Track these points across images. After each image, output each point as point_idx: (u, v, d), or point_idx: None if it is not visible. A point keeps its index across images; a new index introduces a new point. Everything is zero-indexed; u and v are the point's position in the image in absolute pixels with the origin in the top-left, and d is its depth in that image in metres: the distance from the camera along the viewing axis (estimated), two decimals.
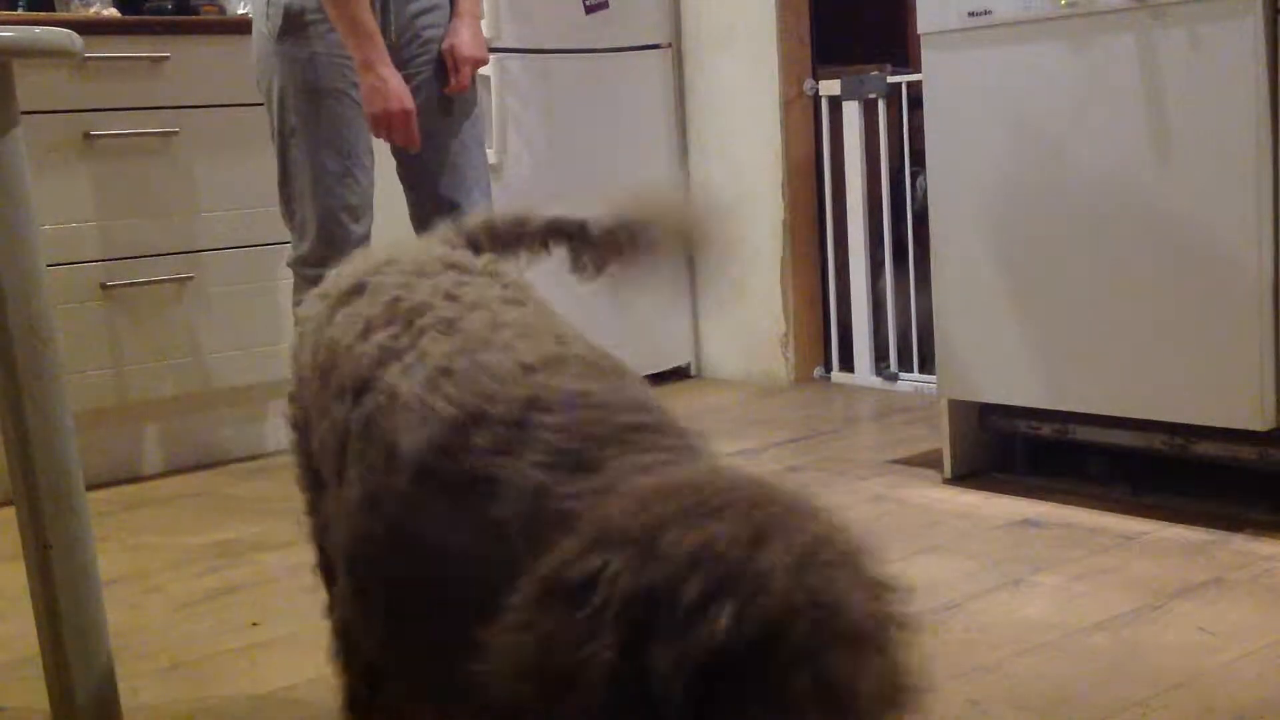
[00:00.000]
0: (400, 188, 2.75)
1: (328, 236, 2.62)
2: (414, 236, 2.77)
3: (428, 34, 2.66)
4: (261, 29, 2.60)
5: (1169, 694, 1.71)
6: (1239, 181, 2.29)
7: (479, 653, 0.90)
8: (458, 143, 2.68)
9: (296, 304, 2.70)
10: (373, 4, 2.59)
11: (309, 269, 2.65)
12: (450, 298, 1.28)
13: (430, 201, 2.72)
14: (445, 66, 2.67)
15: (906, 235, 3.71)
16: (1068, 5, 2.45)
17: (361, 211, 2.67)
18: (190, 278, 3.29)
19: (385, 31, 2.63)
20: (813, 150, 3.95)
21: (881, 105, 3.75)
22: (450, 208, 2.71)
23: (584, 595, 0.87)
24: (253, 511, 2.92)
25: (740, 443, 3.27)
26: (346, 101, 2.62)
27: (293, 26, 2.55)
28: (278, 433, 3.47)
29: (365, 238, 2.68)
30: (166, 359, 3.27)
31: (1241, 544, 2.29)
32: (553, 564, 0.90)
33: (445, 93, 2.67)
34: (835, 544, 0.90)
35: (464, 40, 2.68)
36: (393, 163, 2.72)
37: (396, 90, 2.52)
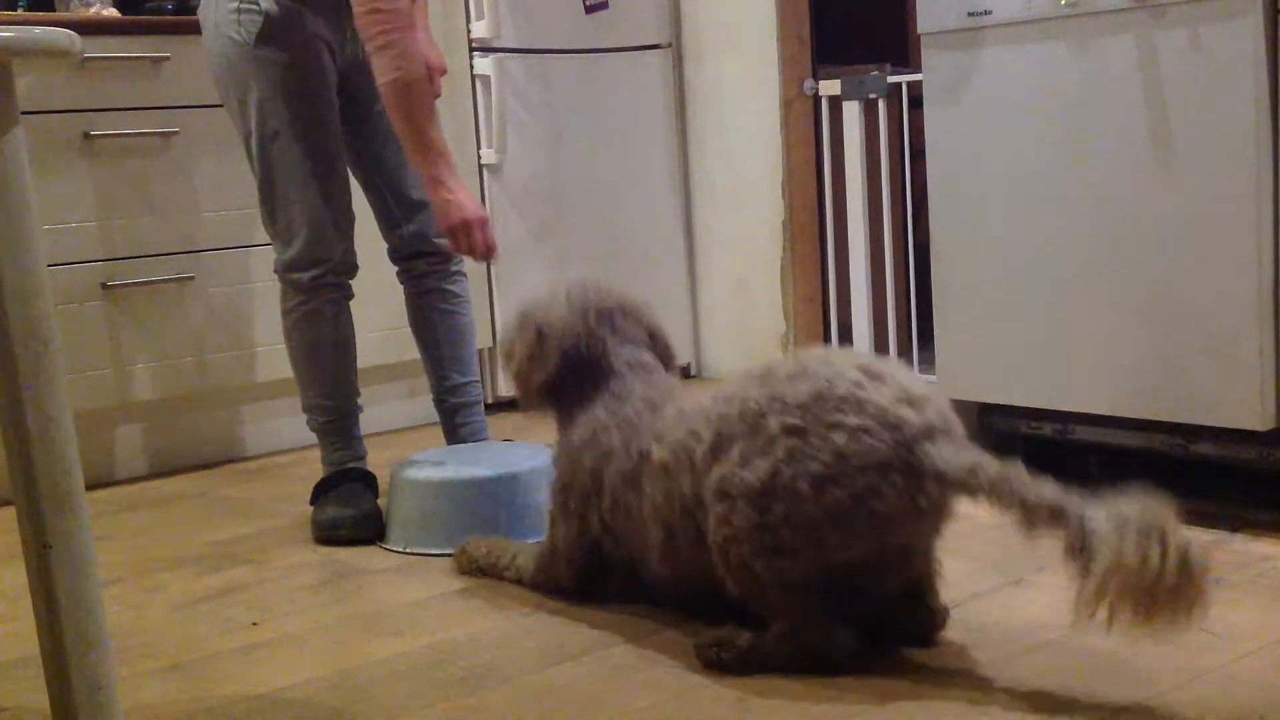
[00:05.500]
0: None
1: (317, 238, 2.62)
2: (382, 238, 2.81)
3: None
4: (232, 36, 2.57)
5: (1169, 694, 1.71)
6: (1239, 181, 2.29)
7: None
8: None
9: (286, 311, 2.70)
10: (343, 19, 2.61)
11: (297, 273, 2.65)
12: None
13: (398, 203, 2.77)
14: None
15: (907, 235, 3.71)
16: (1068, 5, 2.45)
17: (347, 212, 2.68)
18: (190, 278, 3.29)
19: (346, 46, 2.65)
20: (813, 150, 3.95)
21: (881, 105, 3.75)
22: (419, 207, 2.73)
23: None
24: (253, 512, 2.92)
25: None
26: (325, 106, 2.63)
27: (273, 31, 2.55)
28: (277, 433, 3.47)
29: (351, 239, 2.69)
30: (166, 359, 3.27)
31: (1241, 544, 2.29)
32: None
33: None
34: None
35: (431, 50, 2.78)
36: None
37: (469, 202, 2.53)
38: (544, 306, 2.19)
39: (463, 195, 2.53)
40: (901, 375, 1.81)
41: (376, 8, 2.43)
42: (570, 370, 2.15)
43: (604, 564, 2.13)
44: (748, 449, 1.79)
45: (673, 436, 1.95)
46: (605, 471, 2.06)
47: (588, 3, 3.90)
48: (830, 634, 1.82)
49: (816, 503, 1.72)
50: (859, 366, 1.80)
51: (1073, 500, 1.65)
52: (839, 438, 1.72)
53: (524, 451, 2.66)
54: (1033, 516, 1.67)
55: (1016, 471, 1.70)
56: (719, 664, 1.86)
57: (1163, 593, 1.56)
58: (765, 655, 1.84)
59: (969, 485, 1.71)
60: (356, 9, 2.45)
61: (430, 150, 2.49)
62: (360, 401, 2.78)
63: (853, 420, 1.72)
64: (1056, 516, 1.65)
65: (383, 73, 2.45)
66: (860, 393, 1.75)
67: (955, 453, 1.73)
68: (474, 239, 2.55)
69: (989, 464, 1.71)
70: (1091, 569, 1.60)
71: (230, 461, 3.42)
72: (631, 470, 2.02)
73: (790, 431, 1.75)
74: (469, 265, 2.88)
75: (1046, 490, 1.67)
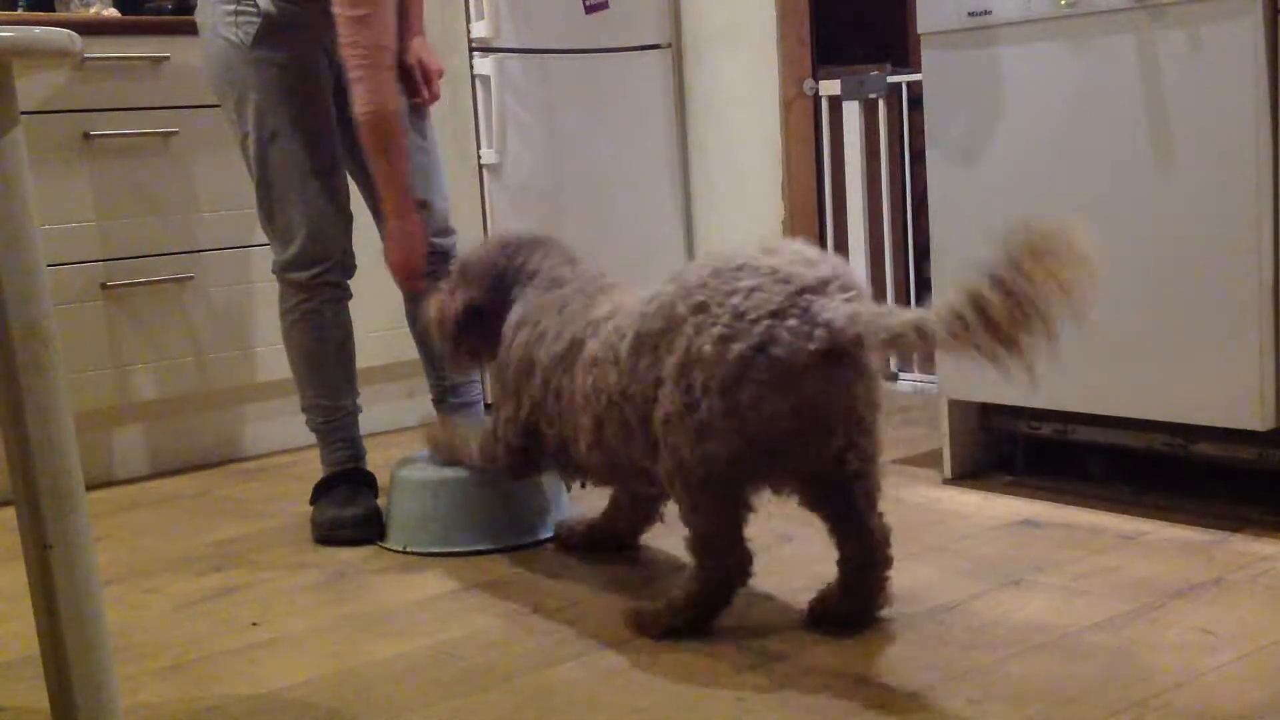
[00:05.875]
0: None
1: (316, 238, 2.62)
2: (380, 238, 2.80)
3: None
4: (229, 37, 2.57)
5: (1169, 694, 1.71)
6: (1239, 181, 2.29)
7: None
8: (419, 146, 2.71)
9: (285, 311, 2.70)
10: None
11: (295, 273, 2.65)
12: None
13: None
14: (411, 78, 2.72)
15: (906, 234, 3.71)
16: (1068, 5, 2.45)
17: (345, 212, 2.68)
18: (190, 278, 3.29)
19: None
20: (813, 150, 3.96)
21: (881, 105, 3.75)
22: (421, 206, 2.74)
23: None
24: (252, 512, 2.92)
25: None
26: (322, 106, 2.63)
27: (271, 33, 2.55)
28: (277, 433, 3.47)
29: (350, 238, 2.69)
30: (166, 359, 3.27)
31: (1241, 544, 2.29)
32: None
33: (418, 104, 2.74)
34: None
35: (428, 54, 2.78)
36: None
37: (420, 240, 2.61)
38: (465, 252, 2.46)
39: (420, 233, 2.60)
40: (800, 245, 1.92)
41: (355, 40, 2.46)
42: (495, 300, 2.33)
43: (540, 445, 2.24)
44: (665, 340, 1.91)
45: (604, 331, 2.08)
46: (538, 351, 2.19)
47: (588, 3, 3.90)
48: (740, 559, 1.95)
49: (723, 361, 1.81)
50: (760, 245, 1.92)
51: (927, 312, 1.74)
52: (735, 299, 1.83)
53: None
54: (901, 340, 1.76)
55: (885, 309, 1.81)
56: (647, 622, 1.98)
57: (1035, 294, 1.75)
58: (689, 599, 1.96)
59: (852, 335, 1.79)
60: (341, 40, 2.49)
61: (392, 183, 2.55)
62: (359, 401, 2.78)
63: (747, 282, 1.84)
64: (920, 331, 1.73)
65: (356, 104, 2.50)
66: (755, 261, 1.87)
67: (843, 303, 1.81)
68: (412, 272, 2.64)
69: (869, 310, 1.80)
70: (970, 337, 1.70)
71: (230, 461, 3.42)
72: (564, 353, 2.14)
73: (695, 309, 1.87)
74: None
75: (906, 314, 1.77)
